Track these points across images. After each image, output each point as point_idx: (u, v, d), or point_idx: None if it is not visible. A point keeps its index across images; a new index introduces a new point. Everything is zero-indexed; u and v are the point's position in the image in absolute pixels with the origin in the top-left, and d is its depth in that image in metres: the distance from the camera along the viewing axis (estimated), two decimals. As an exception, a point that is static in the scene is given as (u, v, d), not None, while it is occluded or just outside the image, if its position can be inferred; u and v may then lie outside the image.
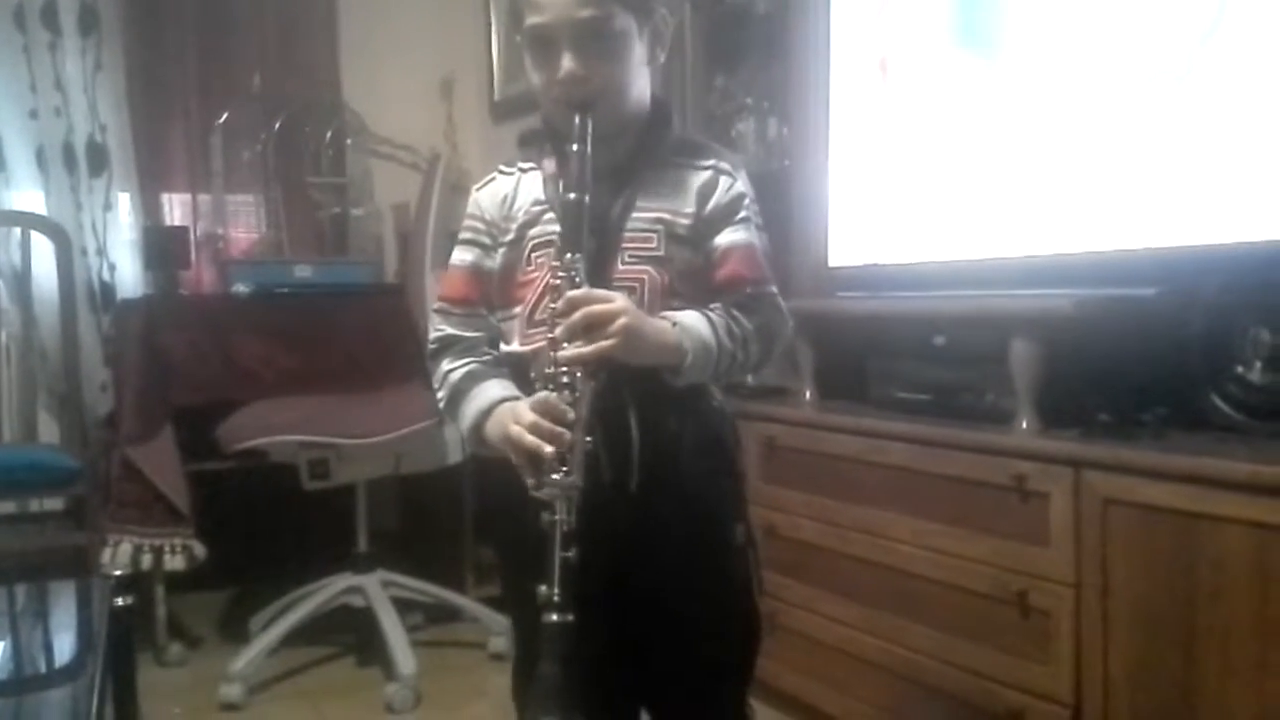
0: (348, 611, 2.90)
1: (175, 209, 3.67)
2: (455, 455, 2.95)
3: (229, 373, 2.95)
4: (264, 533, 3.27)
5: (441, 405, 1.46)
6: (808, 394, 2.35)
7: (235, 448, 2.74)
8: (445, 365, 1.45)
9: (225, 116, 3.61)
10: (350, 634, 2.94)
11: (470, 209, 1.48)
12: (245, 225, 3.73)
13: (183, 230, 3.50)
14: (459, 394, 1.41)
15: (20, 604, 2.16)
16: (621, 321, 1.25)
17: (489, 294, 1.45)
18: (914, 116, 2.29)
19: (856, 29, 2.42)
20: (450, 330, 1.46)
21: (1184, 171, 1.79)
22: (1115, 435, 1.71)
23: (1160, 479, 1.56)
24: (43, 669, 1.80)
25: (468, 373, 1.42)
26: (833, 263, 2.44)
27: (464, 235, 1.48)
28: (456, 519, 3.26)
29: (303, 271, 3.35)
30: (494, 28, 3.93)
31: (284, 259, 3.56)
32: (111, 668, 1.57)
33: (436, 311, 1.49)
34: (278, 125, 3.66)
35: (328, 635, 2.95)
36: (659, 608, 1.39)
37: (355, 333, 3.10)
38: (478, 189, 1.49)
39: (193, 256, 3.46)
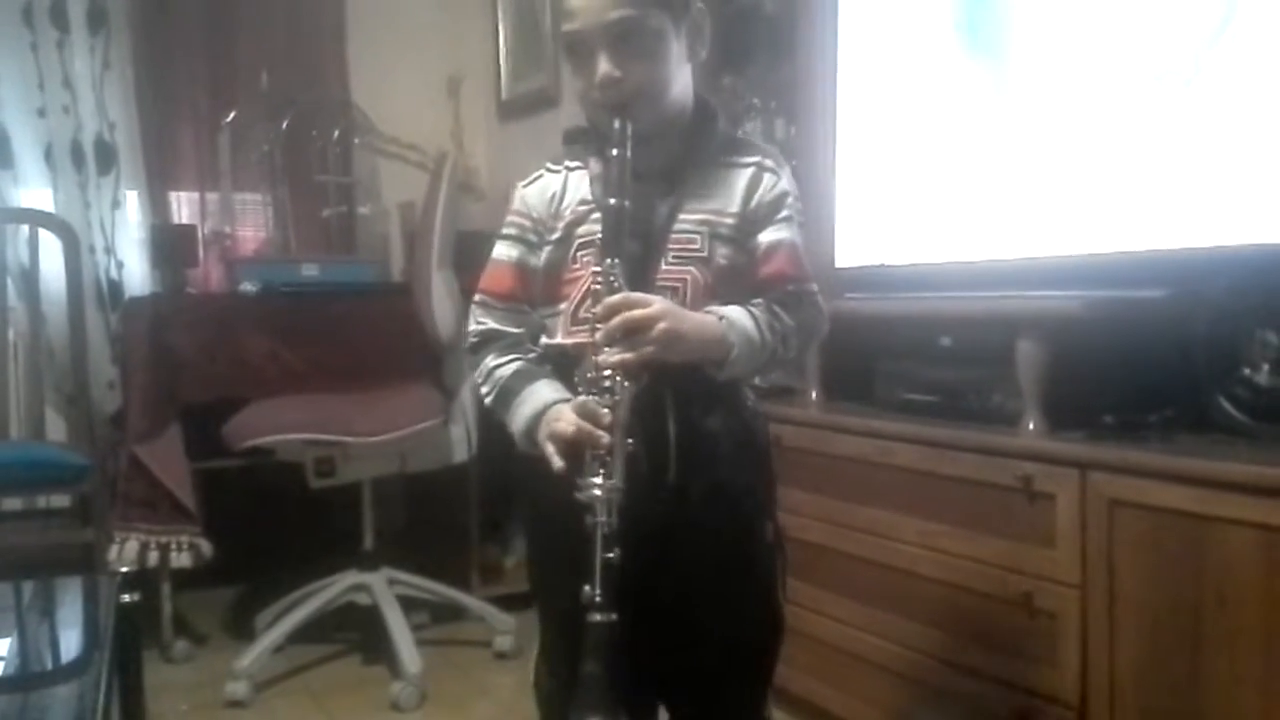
0: (353, 609, 2.90)
1: (183, 207, 3.68)
2: (460, 454, 2.95)
3: (236, 371, 2.95)
4: (270, 530, 3.28)
5: (488, 401, 1.47)
6: (814, 395, 2.36)
7: (241, 446, 2.75)
8: (491, 360, 1.46)
9: (233, 115, 3.61)
10: (356, 632, 2.95)
11: (516, 205, 1.49)
12: (252, 224, 3.73)
13: (190, 228, 3.50)
14: (509, 393, 1.43)
15: (27, 600, 2.17)
16: (661, 326, 1.27)
17: (532, 290, 1.46)
18: (921, 117, 2.29)
19: (864, 30, 2.41)
20: (492, 324, 1.48)
21: (1191, 173, 1.78)
22: (1122, 437, 1.71)
23: (1167, 481, 1.56)
24: (49, 665, 1.80)
25: (517, 371, 1.43)
26: (839, 264, 2.44)
27: (508, 231, 1.49)
28: (462, 517, 3.26)
29: (309, 270, 3.36)
30: (501, 27, 3.94)
31: (291, 258, 3.56)
32: (118, 664, 1.57)
33: (477, 304, 1.50)
34: (285, 124, 3.66)
35: (333, 633, 2.95)
36: (686, 602, 1.40)
37: (361, 331, 3.10)
38: (524, 185, 1.50)
39: (200, 255, 3.47)
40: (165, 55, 3.61)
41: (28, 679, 1.70)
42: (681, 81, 1.41)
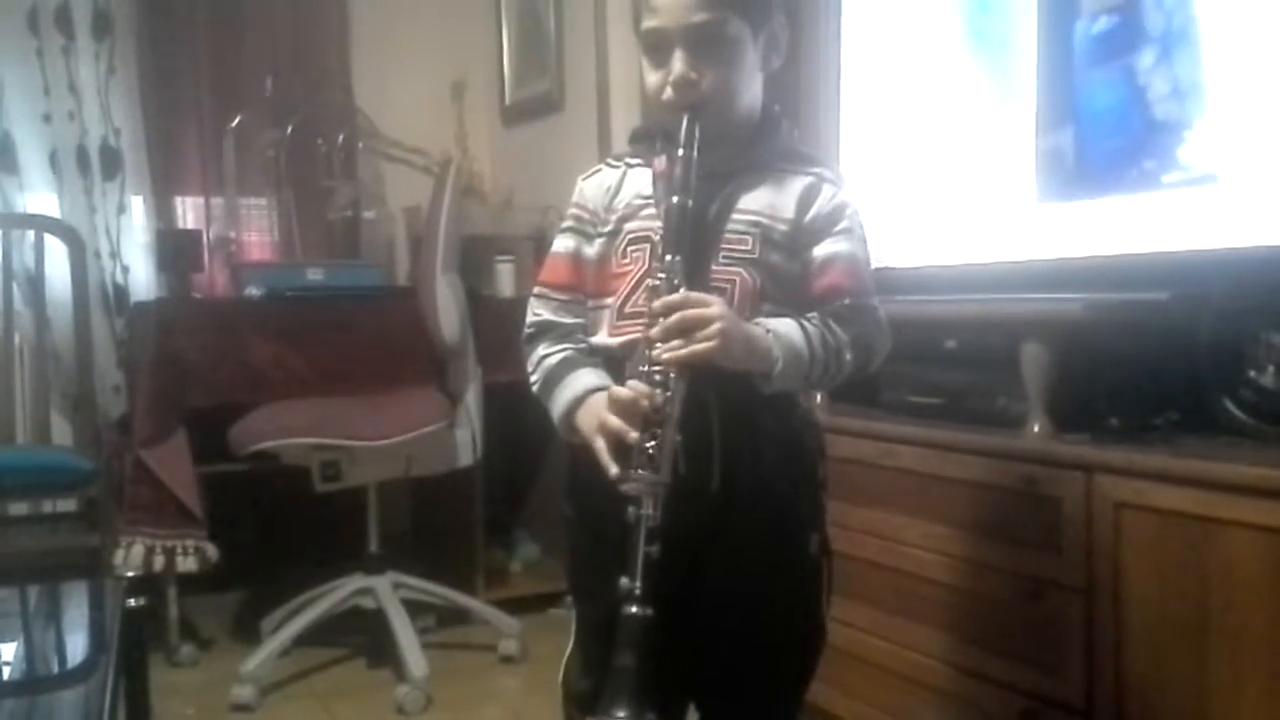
0: (359, 613, 2.90)
1: (188, 212, 3.69)
2: (465, 458, 2.96)
3: (241, 375, 2.96)
4: (276, 534, 3.29)
5: (535, 389, 1.47)
6: (819, 397, 2.35)
7: (247, 450, 2.76)
8: (541, 350, 1.47)
9: (238, 120, 3.62)
10: (361, 636, 2.95)
11: (575, 197, 1.50)
12: (257, 228, 3.74)
13: (195, 233, 3.51)
14: (553, 379, 1.43)
15: (33, 605, 2.17)
16: (718, 326, 1.27)
17: (586, 281, 1.47)
18: (925, 120, 2.29)
19: (868, 33, 2.42)
20: (548, 315, 1.48)
21: (1195, 175, 1.78)
22: (1127, 439, 1.71)
23: (1172, 483, 1.56)
24: (55, 669, 1.80)
25: (564, 359, 1.44)
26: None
27: (566, 223, 1.50)
28: (467, 521, 3.26)
29: (314, 274, 3.36)
30: (505, 32, 3.94)
31: (296, 262, 3.57)
32: (124, 668, 1.57)
33: (536, 296, 1.51)
34: (290, 129, 3.67)
35: (339, 637, 2.95)
36: (725, 609, 1.40)
37: (367, 335, 3.11)
38: (584, 179, 1.51)
39: (205, 259, 3.48)
40: (170, 61, 3.62)
41: (34, 683, 1.71)
42: (753, 91, 1.42)
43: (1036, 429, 1.84)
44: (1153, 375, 1.80)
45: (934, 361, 2.11)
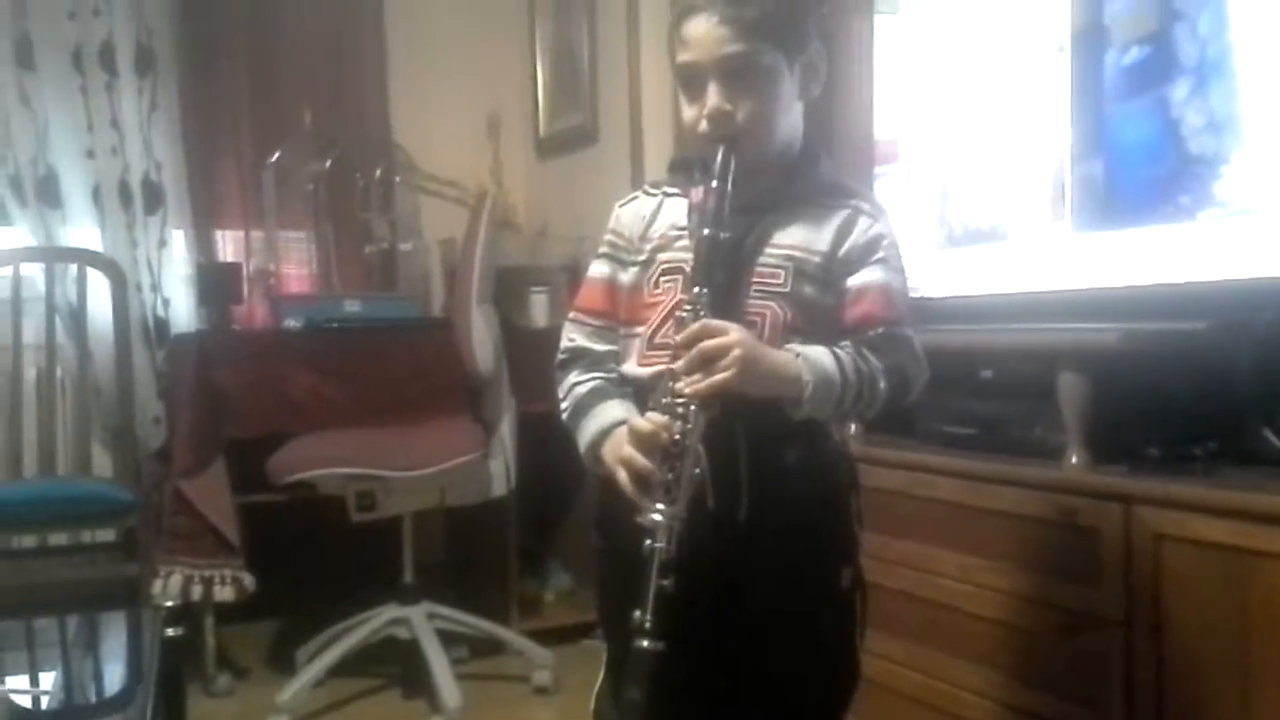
0: (393, 643, 2.91)
1: (228, 245, 3.73)
2: (500, 488, 2.96)
3: (279, 406, 2.98)
4: (311, 564, 3.30)
5: (565, 417, 1.48)
6: (854, 428, 2.35)
7: (284, 480, 2.77)
8: (573, 377, 1.48)
9: (277, 155, 3.66)
10: (396, 666, 2.95)
11: (611, 224, 1.51)
12: (296, 261, 3.78)
13: (235, 266, 3.55)
14: (582, 409, 1.44)
15: (72, 634, 2.19)
16: (735, 354, 1.27)
17: (620, 308, 1.47)
18: (960, 146, 2.29)
19: (898, 53, 2.42)
20: (581, 342, 1.49)
21: (1234, 204, 1.77)
22: (1166, 470, 1.69)
23: (1212, 514, 1.54)
24: (94, 699, 1.82)
25: (594, 389, 1.45)
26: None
27: (602, 249, 1.51)
28: (501, 551, 3.27)
29: (352, 306, 3.39)
30: (539, 66, 3.98)
31: (334, 294, 3.60)
32: (161, 698, 1.58)
33: (571, 321, 1.52)
34: (329, 163, 3.71)
35: (373, 667, 2.96)
36: (753, 643, 1.39)
37: (403, 366, 3.13)
38: (621, 205, 1.52)
39: (245, 292, 3.51)
40: (211, 97, 3.68)
41: (73, 712, 1.72)
42: (791, 119, 1.42)
43: (1074, 460, 1.83)
44: (1191, 405, 1.79)
45: (970, 392, 2.10)
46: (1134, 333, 1.78)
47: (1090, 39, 1.99)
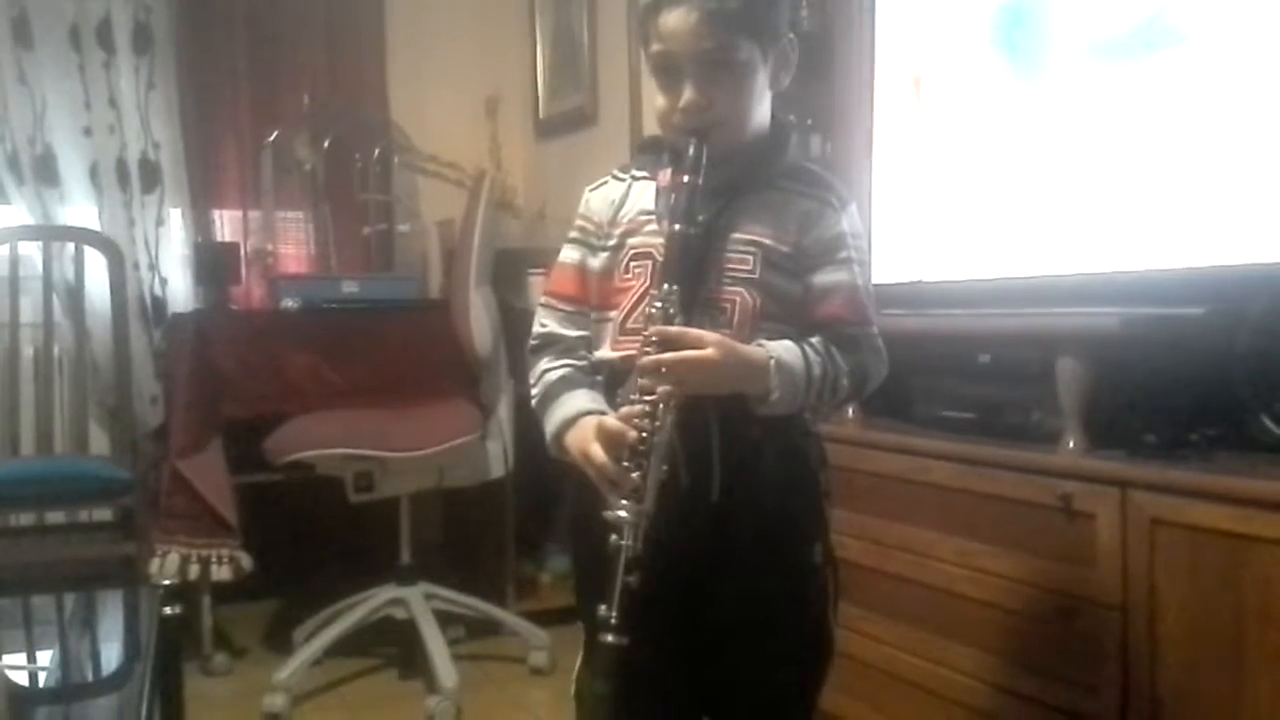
0: (390, 623, 2.92)
1: (226, 225, 3.73)
2: (497, 469, 2.97)
3: (277, 386, 2.98)
4: (309, 544, 3.31)
5: (534, 403, 1.48)
6: (851, 412, 2.35)
7: (282, 460, 2.78)
8: (544, 364, 1.47)
9: (275, 134, 3.66)
10: (392, 646, 2.97)
11: (581, 209, 1.51)
12: (294, 241, 3.78)
13: (233, 246, 3.55)
14: (550, 396, 1.44)
15: (69, 613, 2.20)
16: (713, 368, 1.28)
17: (591, 293, 1.47)
18: (958, 133, 2.28)
19: (900, 46, 2.41)
20: (553, 327, 1.49)
21: (1233, 189, 1.76)
22: (1162, 455, 1.69)
23: (1208, 500, 1.54)
24: (91, 677, 1.82)
25: (562, 377, 1.45)
26: (876, 280, 2.42)
27: (572, 235, 1.51)
28: (499, 532, 3.27)
29: (350, 287, 3.39)
30: (539, 47, 3.97)
31: (332, 275, 3.60)
32: (158, 677, 1.59)
33: (542, 306, 1.52)
34: (327, 143, 3.70)
35: (370, 647, 2.97)
36: (730, 621, 1.40)
37: (400, 347, 3.13)
38: (591, 190, 1.52)
39: (243, 272, 3.51)
40: (209, 76, 3.67)
41: (70, 690, 1.73)
42: (761, 110, 1.42)
43: (1071, 444, 1.83)
44: (1189, 391, 1.79)
45: (968, 376, 2.10)
46: (1132, 318, 1.78)
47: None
